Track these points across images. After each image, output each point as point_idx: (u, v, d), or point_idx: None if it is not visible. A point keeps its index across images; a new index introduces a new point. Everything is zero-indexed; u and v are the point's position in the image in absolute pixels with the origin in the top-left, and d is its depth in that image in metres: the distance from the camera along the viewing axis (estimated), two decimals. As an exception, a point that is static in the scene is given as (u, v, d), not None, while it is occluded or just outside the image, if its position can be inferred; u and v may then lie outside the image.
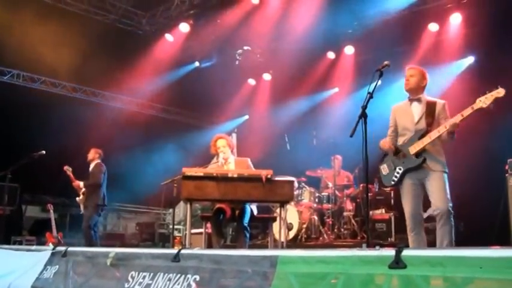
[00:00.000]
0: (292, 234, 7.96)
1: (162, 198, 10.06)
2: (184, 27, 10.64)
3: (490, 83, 3.94)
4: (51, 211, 8.69)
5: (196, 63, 12.00)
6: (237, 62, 11.64)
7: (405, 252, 2.09)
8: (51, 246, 5.37)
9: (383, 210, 7.86)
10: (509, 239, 5.73)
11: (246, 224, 5.41)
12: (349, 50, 10.40)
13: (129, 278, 3.43)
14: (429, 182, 4.18)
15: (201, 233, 6.90)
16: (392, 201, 7.91)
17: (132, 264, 3.55)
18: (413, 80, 4.38)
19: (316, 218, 8.18)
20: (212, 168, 5.42)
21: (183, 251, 3.20)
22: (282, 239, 5.56)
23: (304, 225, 8.11)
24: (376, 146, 4.50)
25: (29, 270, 4.58)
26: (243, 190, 5.00)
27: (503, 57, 7.71)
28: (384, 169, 4.50)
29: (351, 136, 3.93)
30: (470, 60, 9.20)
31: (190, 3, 10.18)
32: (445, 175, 4.20)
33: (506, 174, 5.98)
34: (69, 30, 9.61)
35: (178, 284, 3.02)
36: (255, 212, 5.67)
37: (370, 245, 3.82)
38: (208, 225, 5.72)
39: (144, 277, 3.33)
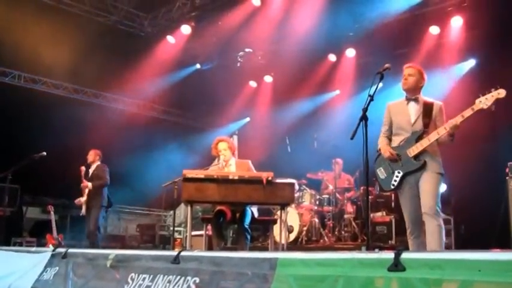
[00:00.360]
0: (292, 236, 7.97)
1: (162, 200, 10.09)
2: (185, 29, 10.65)
3: (491, 86, 3.90)
4: (52, 212, 8.67)
5: (198, 65, 12.00)
6: (238, 64, 11.66)
7: (404, 255, 2.09)
8: (51, 247, 5.37)
9: (383, 213, 7.86)
10: (509, 242, 5.74)
11: (246, 226, 5.41)
12: (350, 52, 10.39)
13: (129, 280, 3.43)
14: (422, 181, 4.12)
15: (201, 235, 6.88)
16: (392, 203, 7.90)
17: (132, 266, 3.54)
18: (411, 79, 4.31)
19: (316, 220, 8.19)
20: (213, 171, 5.44)
21: (183, 253, 3.19)
22: (283, 242, 5.57)
23: (305, 228, 8.11)
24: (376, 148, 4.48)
25: (29, 272, 4.58)
26: (243, 192, 5.01)
27: (504, 60, 7.71)
28: (381, 173, 4.38)
29: (352, 138, 3.91)
30: (471, 63, 9.18)
31: (192, 5, 10.19)
32: (440, 177, 4.13)
33: (507, 177, 5.97)
34: (71, 32, 9.61)
35: (178, 286, 3.02)
36: (256, 214, 5.67)
37: (370, 248, 3.83)
38: (209, 227, 5.71)
39: (143, 279, 3.32)
